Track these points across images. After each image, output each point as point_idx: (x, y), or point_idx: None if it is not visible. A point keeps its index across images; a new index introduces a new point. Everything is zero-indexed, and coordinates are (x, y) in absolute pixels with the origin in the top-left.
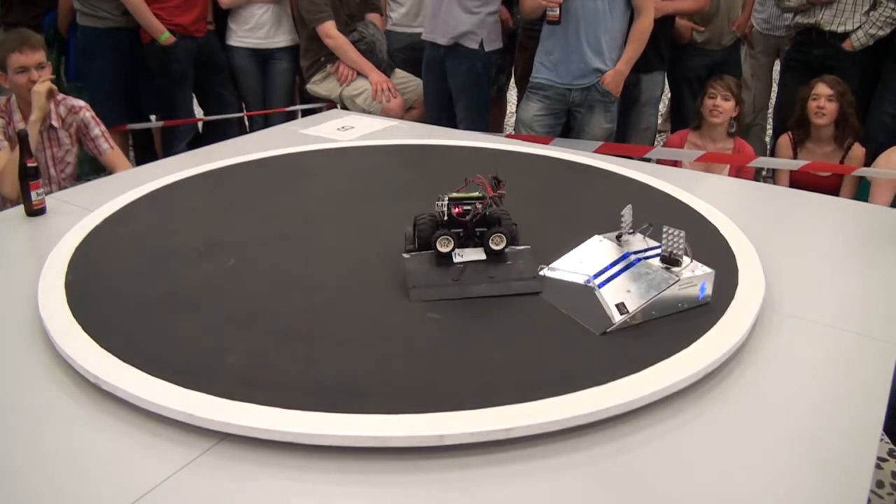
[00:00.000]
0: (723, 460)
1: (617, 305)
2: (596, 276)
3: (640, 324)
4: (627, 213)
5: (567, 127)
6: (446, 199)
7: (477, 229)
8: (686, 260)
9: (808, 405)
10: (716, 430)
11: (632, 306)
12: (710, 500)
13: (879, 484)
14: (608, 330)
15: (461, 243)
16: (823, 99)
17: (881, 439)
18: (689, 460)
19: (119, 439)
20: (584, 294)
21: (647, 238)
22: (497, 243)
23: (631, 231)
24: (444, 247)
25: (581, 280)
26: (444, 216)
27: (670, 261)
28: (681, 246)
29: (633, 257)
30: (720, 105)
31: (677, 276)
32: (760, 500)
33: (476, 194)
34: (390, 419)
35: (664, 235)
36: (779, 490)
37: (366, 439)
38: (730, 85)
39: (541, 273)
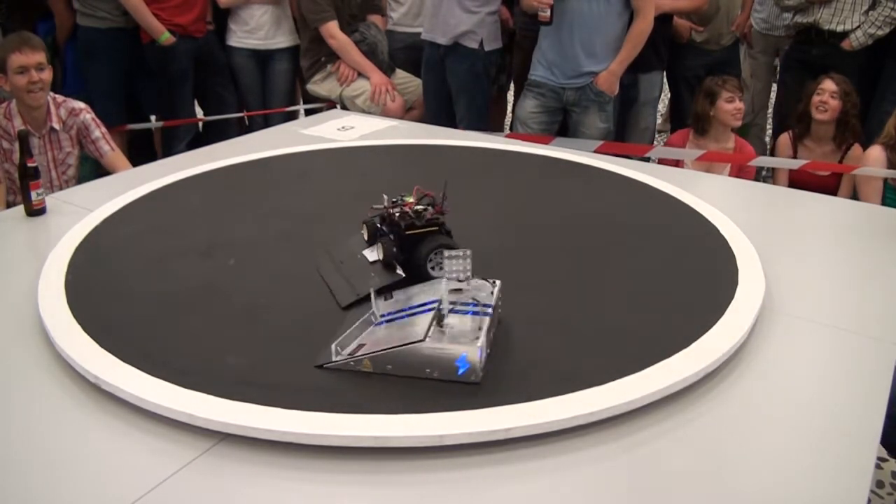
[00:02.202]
0: (723, 460)
1: (361, 344)
2: (394, 313)
3: (372, 373)
4: (461, 259)
5: (564, 125)
6: (400, 198)
7: (391, 235)
8: (456, 321)
9: (808, 405)
10: (716, 430)
11: (365, 350)
12: (709, 500)
13: (879, 484)
14: (324, 364)
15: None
16: (827, 94)
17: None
18: (689, 460)
19: (119, 439)
20: (361, 324)
21: (494, 291)
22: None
23: (460, 278)
24: (364, 232)
25: (376, 311)
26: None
27: (441, 319)
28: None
29: (429, 305)
30: (741, 106)
31: (422, 338)
32: (760, 501)
33: (408, 199)
34: (390, 419)
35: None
36: (779, 490)
37: (366, 439)
38: (738, 84)
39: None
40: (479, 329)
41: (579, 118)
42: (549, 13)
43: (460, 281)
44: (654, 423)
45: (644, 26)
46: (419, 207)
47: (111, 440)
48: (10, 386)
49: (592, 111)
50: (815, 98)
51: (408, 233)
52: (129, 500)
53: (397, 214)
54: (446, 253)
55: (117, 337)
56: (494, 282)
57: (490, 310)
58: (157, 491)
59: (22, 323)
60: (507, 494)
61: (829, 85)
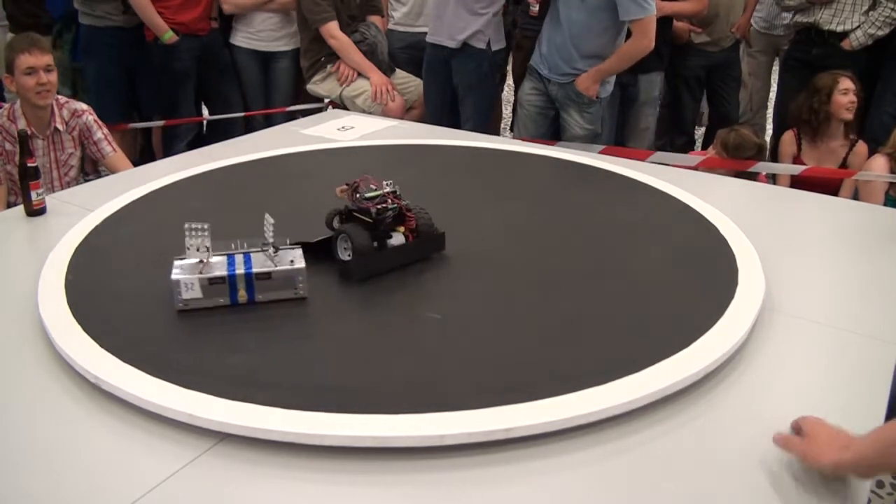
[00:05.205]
0: (723, 460)
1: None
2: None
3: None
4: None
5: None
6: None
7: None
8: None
9: (808, 405)
10: (716, 430)
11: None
12: (709, 500)
13: (879, 484)
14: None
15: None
16: (852, 93)
17: None
18: (688, 460)
19: (119, 439)
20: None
21: (293, 260)
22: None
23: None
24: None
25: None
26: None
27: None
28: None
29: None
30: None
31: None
32: (760, 500)
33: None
34: (390, 419)
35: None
36: (779, 490)
37: (366, 439)
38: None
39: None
40: (199, 273)
41: (562, 115)
42: (536, 8)
43: (266, 246)
44: (654, 423)
45: (634, 47)
46: (374, 196)
47: (111, 440)
48: (10, 386)
49: (573, 110)
50: (843, 99)
51: (351, 211)
52: (129, 500)
53: (359, 195)
54: (267, 218)
55: (117, 337)
56: (294, 262)
57: (234, 273)
58: (157, 491)
59: (22, 323)
60: (507, 494)
61: (849, 84)
